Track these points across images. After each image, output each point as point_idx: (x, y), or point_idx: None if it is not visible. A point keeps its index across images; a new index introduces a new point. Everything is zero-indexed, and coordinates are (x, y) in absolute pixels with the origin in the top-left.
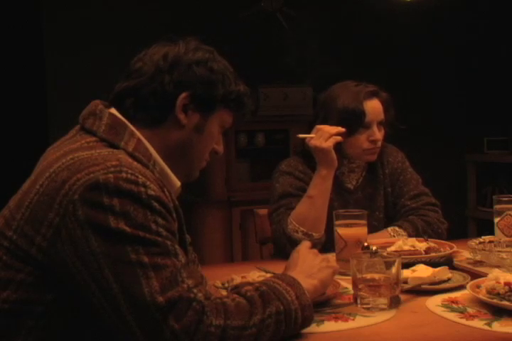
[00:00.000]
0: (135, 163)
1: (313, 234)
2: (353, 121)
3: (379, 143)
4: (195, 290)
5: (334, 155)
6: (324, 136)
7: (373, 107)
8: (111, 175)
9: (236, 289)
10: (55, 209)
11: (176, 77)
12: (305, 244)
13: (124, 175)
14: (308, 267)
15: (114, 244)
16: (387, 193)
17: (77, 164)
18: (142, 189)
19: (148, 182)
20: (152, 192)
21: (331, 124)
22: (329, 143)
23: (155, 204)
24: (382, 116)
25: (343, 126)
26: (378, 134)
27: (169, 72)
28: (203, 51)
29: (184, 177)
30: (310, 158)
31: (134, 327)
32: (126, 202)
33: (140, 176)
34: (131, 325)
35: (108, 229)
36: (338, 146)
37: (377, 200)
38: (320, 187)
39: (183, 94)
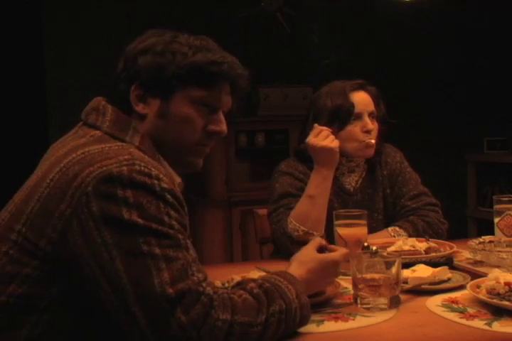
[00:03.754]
0: (146, 156)
1: (314, 232)
2: (344, 114)
3: (374, 132)
4: (204, 284)
5: (338, 156)
6: (331, 136)
7: (361, 98)
8: (124, 168)
9: (240, 285)
10: (67, 200)
11: (126, 72)
12: (316, 244)
13: (137, 167)
14: (316, 280)
15: (127, 235)
16: (386, 195)
17: (88, 158)
18: (156, 181)
19: (161, 175)
20: (165, 185)
21: (322, 121)
22: (336, 144)
23: (168, 196)
24: (372, 108)
25: (334, 122)
26: (371, 125)
27: (123, 70)
28: (154, 37)
29: (183, 167)
30: (308, 160)
31: (139, 318)
32: (139, 194)
33: (153, 169)
34: (138, 317)
35: (121, 220)
36: None
37: (375, 202)
38: (322, 187)
39: (133, 86)
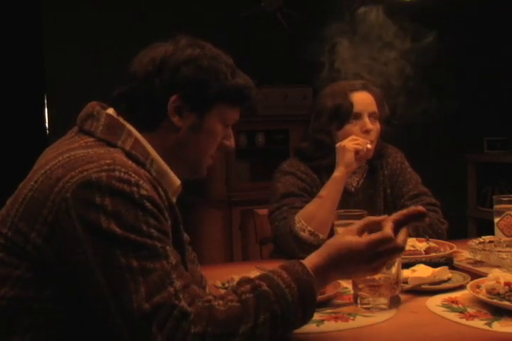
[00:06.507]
0: (130, 162)
1: (320, 234)
2: (342, 113)
3: (373, 133)
4: (180, 295)
5: (353, 158)
6: (360, 141)
7: (361, 98)
8: (103, 174)
9: (237, 285)
10: (49, 206)
11: (164, 80)
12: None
13: (117, 173)
14: (352, 269)
15: (105, 245)
16: (386, 195)
17: (72, 162)
18: (134, 188)
19: (141, 182)
20: (144, 192)
21: (323, 120)
22: (354, 146)
23: (147, 204)
24: (373, 108)
25: (334, 121)
26: (370, 124)
27: (158, 76)
28: (193, 48)
29: (189, 175)
30: (309, 159)
31: (124, 331)
32: (118, 202)
33: (133, 175)
34: (122, 329)
35: (99, 229)
36: (333, 147)
37: (376, 202)
38: (330, 189)
39: (173, 97)
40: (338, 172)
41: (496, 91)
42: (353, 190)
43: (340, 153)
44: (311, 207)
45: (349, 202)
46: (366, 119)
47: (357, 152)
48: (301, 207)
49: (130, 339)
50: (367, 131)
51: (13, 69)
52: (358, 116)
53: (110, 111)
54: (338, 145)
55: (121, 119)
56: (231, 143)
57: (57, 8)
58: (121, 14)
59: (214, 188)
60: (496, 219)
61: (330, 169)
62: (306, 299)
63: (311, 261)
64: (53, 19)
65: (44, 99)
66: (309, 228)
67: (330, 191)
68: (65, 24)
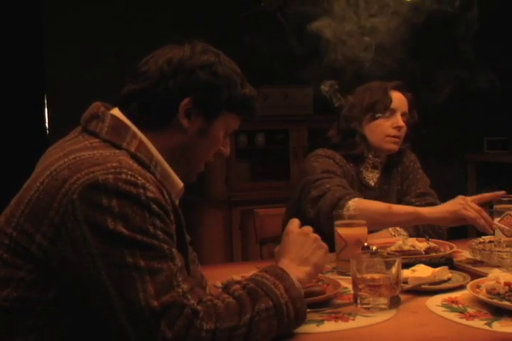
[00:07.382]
0: (135, 165)
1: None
2: (380, 106)
3: (402, 131)
4: (189, 296)
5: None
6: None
7: (399, 97)
8: (110, 176)
9: (225, 288)
10: (55, 207)
11: (179, 82)
12: (294, 224)
13: (123, 176)
14: (300, 252)
15: (112, 246)
16: (397, 190)
17: (78, 163)
18: (141, 191)
19: (147, 184)
20: (151, 194)
21: (357, 111)
22: (477, 220)
23: (153, 206)
24: (406, 108)
25: (368, 112)
26: (402, 121)
27: (173, 77)
28: (209, 54)
29: (181, 179)
30: (337, 146)
31: (129, 331)
32: (124, 204)
33: (140, 178)
34: (127, 328)
35: (106, 230)
36: (363, 136)
37: (390, 197)
38: (405, 215)
39: (186, 100)
40: (428, 213)
41: (496, 92)
42: (373, 184)
43: (454, 205)
44: (371, 209)
45: (368, 196)
46: (399, 116)
47: (464, 219)
48: (348, 190)
49: (136, 338)
50: (398, 128)
51: (13, 70)
52: (392, 112)
53: (114, 111)
54: (460, 198)
55: (126, 120)
56: (227, 150)
57: (57, 8)
58: (122, 14)
59: (214, 188)
60: (496, 219)
61: (358, 159)
62: (293, 294)
63: (282, 263)
64: (53, 19)
65: (44, 99)
66: (352, 213)
67: (403, 214)
68: (65, 24)
